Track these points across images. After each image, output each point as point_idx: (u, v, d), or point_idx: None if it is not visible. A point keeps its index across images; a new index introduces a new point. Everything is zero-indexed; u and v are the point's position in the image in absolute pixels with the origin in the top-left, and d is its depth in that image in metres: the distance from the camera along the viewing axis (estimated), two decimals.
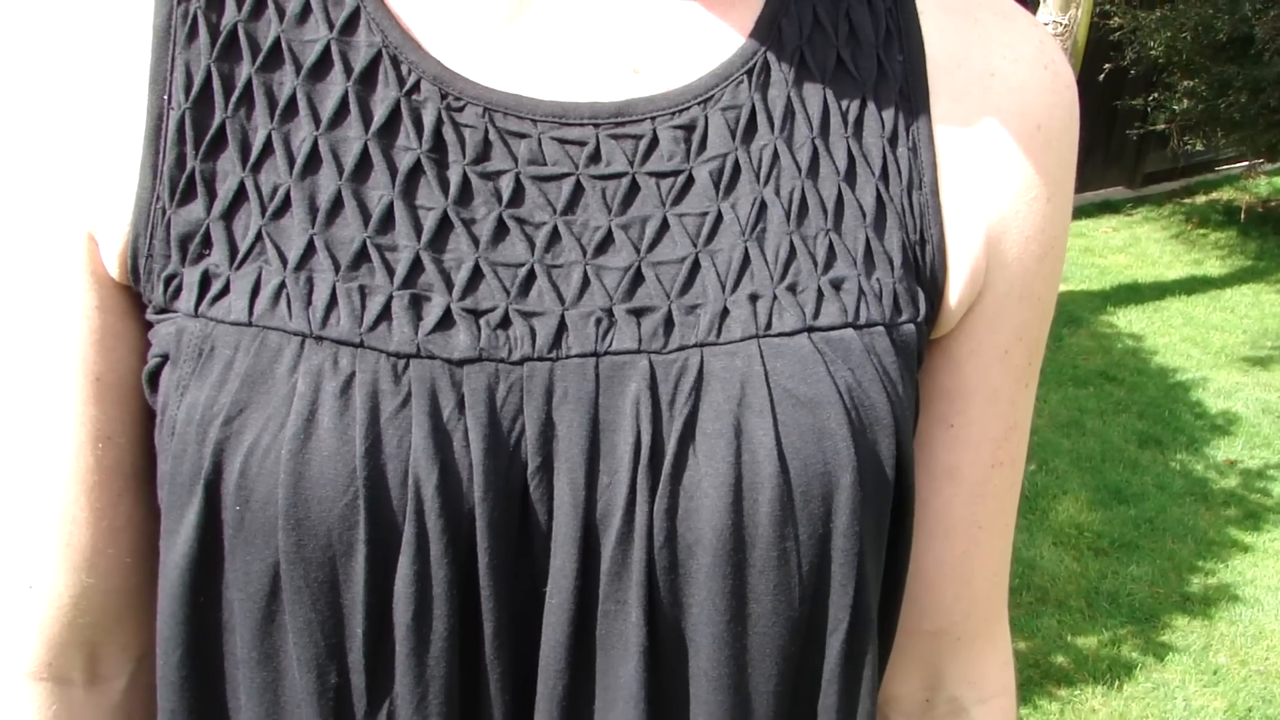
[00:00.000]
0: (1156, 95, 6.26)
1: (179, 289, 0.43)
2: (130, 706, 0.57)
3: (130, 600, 0.54)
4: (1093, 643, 2.74)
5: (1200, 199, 7.34)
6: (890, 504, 0.46)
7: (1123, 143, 7.19)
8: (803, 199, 0.46)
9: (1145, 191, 7.43)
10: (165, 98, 0.43)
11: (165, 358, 0.43)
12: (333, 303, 0.41)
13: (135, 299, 0.47)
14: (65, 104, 0.44)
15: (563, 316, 0.43)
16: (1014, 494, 0.59)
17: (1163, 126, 6.33)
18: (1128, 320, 5.02)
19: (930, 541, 0.56)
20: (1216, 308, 5.31)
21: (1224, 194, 7.44)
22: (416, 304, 0.42)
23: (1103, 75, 6.19)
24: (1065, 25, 4.28)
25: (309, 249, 0.42)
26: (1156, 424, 3.96)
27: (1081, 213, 6.85)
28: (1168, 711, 2.53)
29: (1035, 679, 2.59)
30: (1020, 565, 3.03)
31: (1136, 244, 6.34)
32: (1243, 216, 6.68)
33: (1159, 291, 5.48)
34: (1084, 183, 7.16)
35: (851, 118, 0.48)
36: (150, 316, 0.45)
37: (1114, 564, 3.09)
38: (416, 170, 0.43)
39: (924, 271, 0.48)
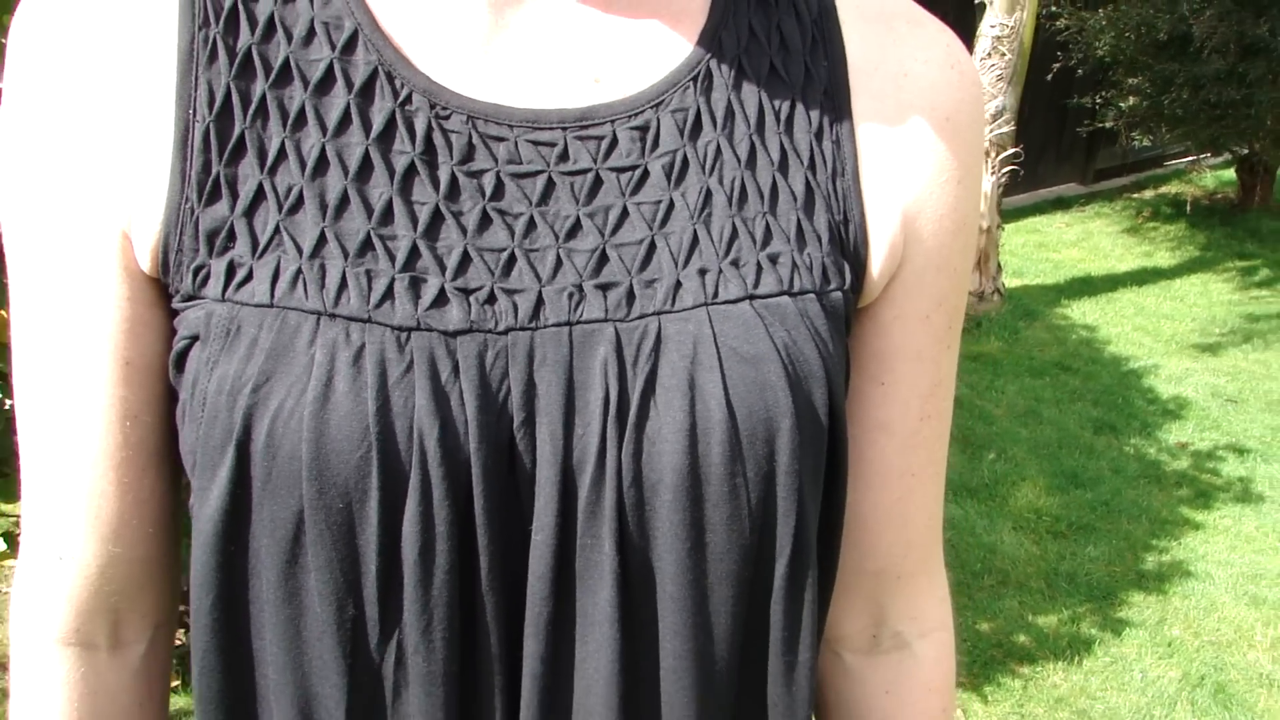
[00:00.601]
0: (1104, 94, 6.43)
1: (207, 278, 0.49)
2: (149, 671, 0.63)
3: (151, 570, 0.60)
4: (1053, 621, 2.84)
5: (1150, 193, 7.52)
6: (825, 446, 0.54)
7: (1074, 141, 7.35)
8: (743, 187, 0.54)
9: (1097, 187, 7.61)
10: (190, 112, 0.49)
11: (195, 339, 0.50)
12: (343, 285, 0.48)
13: (161, 290, 0.53)
14: (100, 118, 0.50)
15: (540, 293, 0.50)
16: (943, 444, 0.66)
17: (1111, 124, 6.49)
18: (1081, 312, 5.16)
19: (869, 489, 0.64)
20: (1167, 297, 5.47)
21: (1172, 188, 7.63)
22: (415, 285, 0.49)
23: (1051, 75, 6.35)
24: (1011, 27, 4.41)
25: (321, 239, 0.49)
26: (1111, 411, 4.09)
27: (1035, 209, 7.01)
28: (1126, 683, 2.63)
29: (998, 658, 2.68)
30: (981, 550, 3.13)
31: (1089, 238, 6.49)
32: (1189, 209, 6.85)
33: (1111, 283, 5.63)
34: (1037, 180, 7.31)
35: (783, 116, 0.56)
36: (177, 304, 0.51)
37: (1072, 546, 3.19)
38: (411, 170, 0.50)
39: (848, 247, 0.56)
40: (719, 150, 0.54)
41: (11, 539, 2.32)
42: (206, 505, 0.49)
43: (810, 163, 0.55)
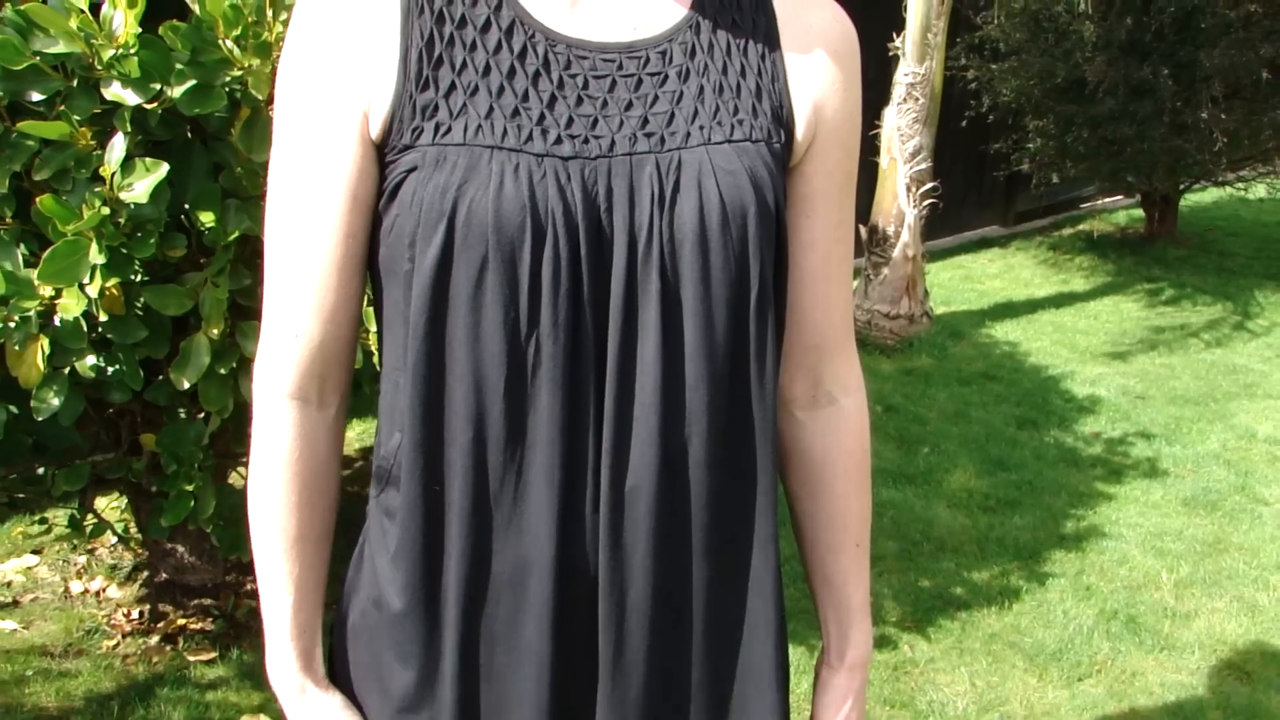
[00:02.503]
0: (1015, 138, 7.00)
1: (420, 133, 0.85)
2: (337, 427, 0.97)
3: (346, 350, 0.95)
4: (985, 576, 3.22)
5: (1067, 231, 8.10)
6: (775, 226, 0.91)
7: (993, 185, 7.92)
8: (721, 84, 0.91)
9: (1018, 229, 8.16)
10: (409, 42, 0.86)
11: (413, 169, 0.85)
12: (505, 133, 0.84)
13: (379, 154, 0.90)
14: (353, 46, 0.85)
15: (613, 138, 0.86)
16: (848, 261, 1.03)
17: (1024, 166, 7.06)
18: (1004, 331, 5.63)
19: (803, 287, 1.00)
20: (1082, 316, 5.97)
21: (1087, 225, 8.22)
22: (545, 132, 0.85)
23: (965, 123, 6.92)
24: (922, 75, 4.92)
25: (490, 109, 0.86)
26: (1032, 409, 4.52)
27: (961, 249, 7.52)
28: (1050, 621, 3.00)
29: (937, 607, 3.05)
30: (920, 523, 3.51)
31: (1011, 270, 7.00)
32: (1094, 238, 7.40)
33: (1031, 307, 6.12)
34: (961, 224, 7.85)
35: (741, 47, 0.94)
36: (392, 157, 0.87)
37: (1000, 517, 3.59)
38: (537, 74, 0.87)
39: (782, 122, 0.94)
40: (707, 65, 0.92)
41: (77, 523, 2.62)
42: (426, 258, 0.85)
43: (758, 73, 0.94)
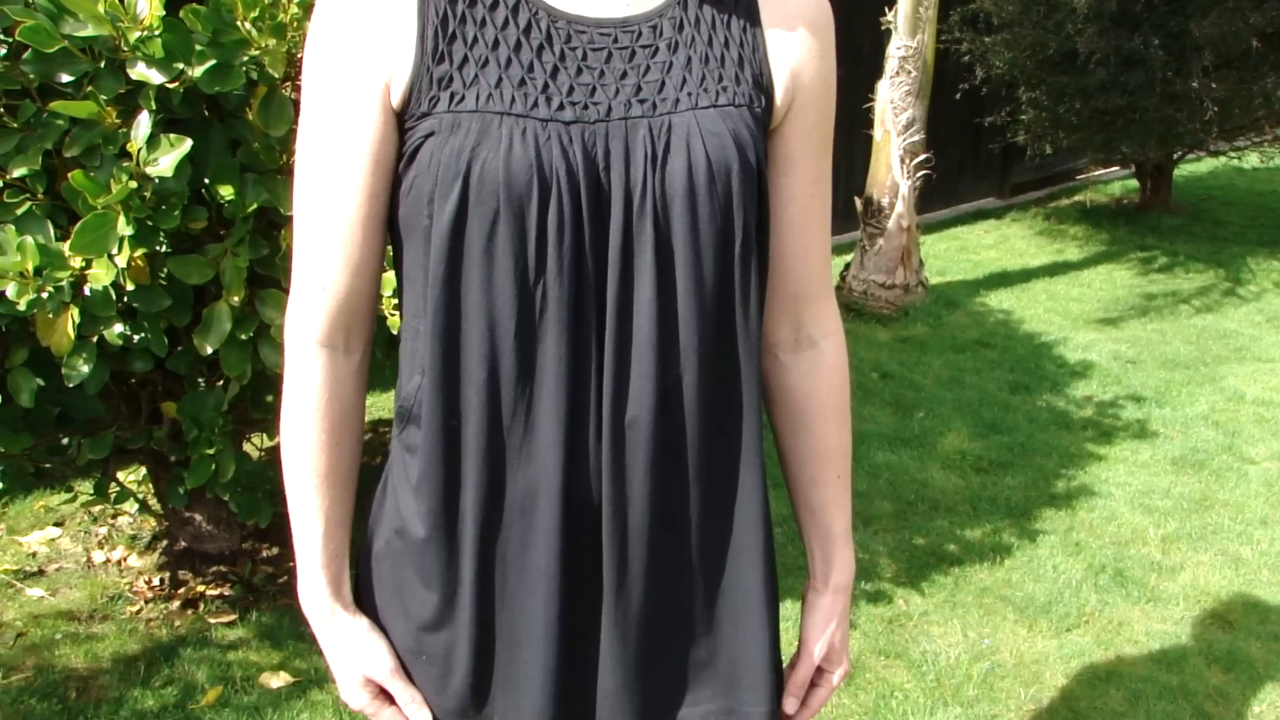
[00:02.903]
0: (1009, 109, 7.07)
1: (436, 102, 0.94)
2: (361, 371, 1.06)
3: (369, 302, 1.04)
4: (977, 534, 3.32)
5: (1063, 202, 8.17)
6: (756, 182, 1.00)
7: (989, 158, 7.99)
8: (707, 54, 1.00)
9: (1014, 200, 8.23)
10: (425, 20, 0.95)
11: (431, 134, 0.94)
12: (513, 100, 0.93)
13: (398, 122, 0.99)
14: (374, 25, 0.94)
15: (610, 104, 0.95)
16: (826, 215, 1.12)
17: (1019, 137, 7.13)
18: (999, 300, 5.72)
19: (783, 238, 1.09)
20: (1075, 284, 6.05)
21: (1083, 196, 8.29)
22: (549, 100, 0.94)
23: (960, 96, 6.98)
24: (914, 48, 4.99)
25: (500, 80, 0.94)
26: (1025, 375, 4.62)
27: (957, 221, 7.60)
28: (1040, 576, 3.11)
29: (931, 563, 3.15)
30: (914, 484, 3.61)
31: (1006, 241, 7.08)
32: (1088, 206, 7.47)
33: (1025, 276, 6.21)
34: (958, 196, 7.93)
35: (725, 21, 1.02)
36: (411, 124, 0.96)
37: (992, 478, 3.69)
38: (541, 47, 0.96)
39: (763, 87, 1.03)
40: (694, 37, 1.01)
41: (107, 490, 2.72)
42: (444, 214, 0.94)
43: (740, 44, 1.03)
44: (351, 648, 1.06)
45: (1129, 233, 7.18)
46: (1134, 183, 8.12)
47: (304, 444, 1.03)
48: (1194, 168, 9.25)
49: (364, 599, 1.10)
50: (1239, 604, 3.00)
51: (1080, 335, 5.17)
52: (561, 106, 0.94)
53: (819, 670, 1.16)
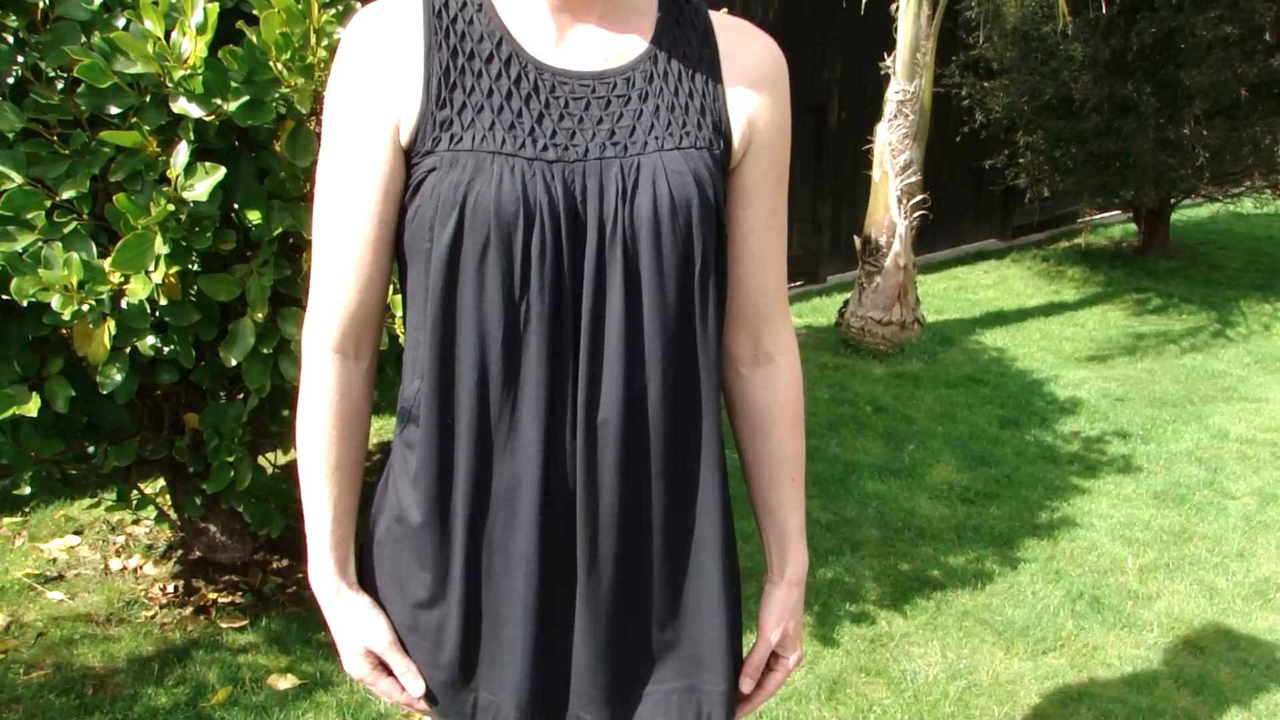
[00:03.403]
0: (1008, 153, 7.24)
1: (439, 140, 1.07)
2: (369, 375, 1.20)
3: (377, 314, 1.17)
4: (961, 561, 3.44)
5: (1063, 244, 8.32)
6: (715, 214, 1.13)
7: (990, 200, 8.16)
8: (674, 104, 1.14)
9: (1015, 242, 8.39)
10: (429, 71, 1.08)
11: (433, 169, 1.07)
12: (504, 141, 1.07)
13: (405, 158, 1.12)
14: (386, 73, 1.07)
15: (587, 146, 1.09)
16: (782, 242, 1.25)
17: (1020, 181, 7.30)
18: (993, 338, 5.85)
19: (742, 265, 1.21)
20: (1069, 324, 6.19)
21: (1082, 239, 8.45)
22: (535, 141, 1.07)
23: (960, 139, 7.16)
24: (912, 92, 5.17)
25: (493, 123, 1.08)
26: (1015, 410, 4.75)
27: (959, 261, 7.75)
28: (1019, 601, 3.23)
29: (915, 587, 3.27)
30: (902, 512, 3.74)
31: (1005, 282, 7.23)
32: (1084, 248, 7.61)
33: (1021, 315, 6.34)
34: (960, 237, 8.09)
35: (690, 74, 1.16)
36: (417, 160, 1.09)
37: (978, 508, 3.81)
38: (529, 96, 1.09)
39: (721, 132, 1.15)
40: (662, 88, 1.15)
41: (127, 496, 2.85)
42: (442, 238, 1.06)
43: (703, 95, 1.17)
44: (354, 622, 1.18)
45: (1125, 275, 7.32)
46: (1134, 226, 8.28)
47: (317, 438, 1.16)
48: (1194, 213, 9.41)
49: (366, 580, 1.22)
50: (1212, 631, 3.11)
51: (1071, 373, 5.31)
52: (545, 147, 1.08)
53: (774, 655, 1.29)
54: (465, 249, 1.06)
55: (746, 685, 1.26)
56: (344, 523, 1.18)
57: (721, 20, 1.20)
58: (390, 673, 1.20)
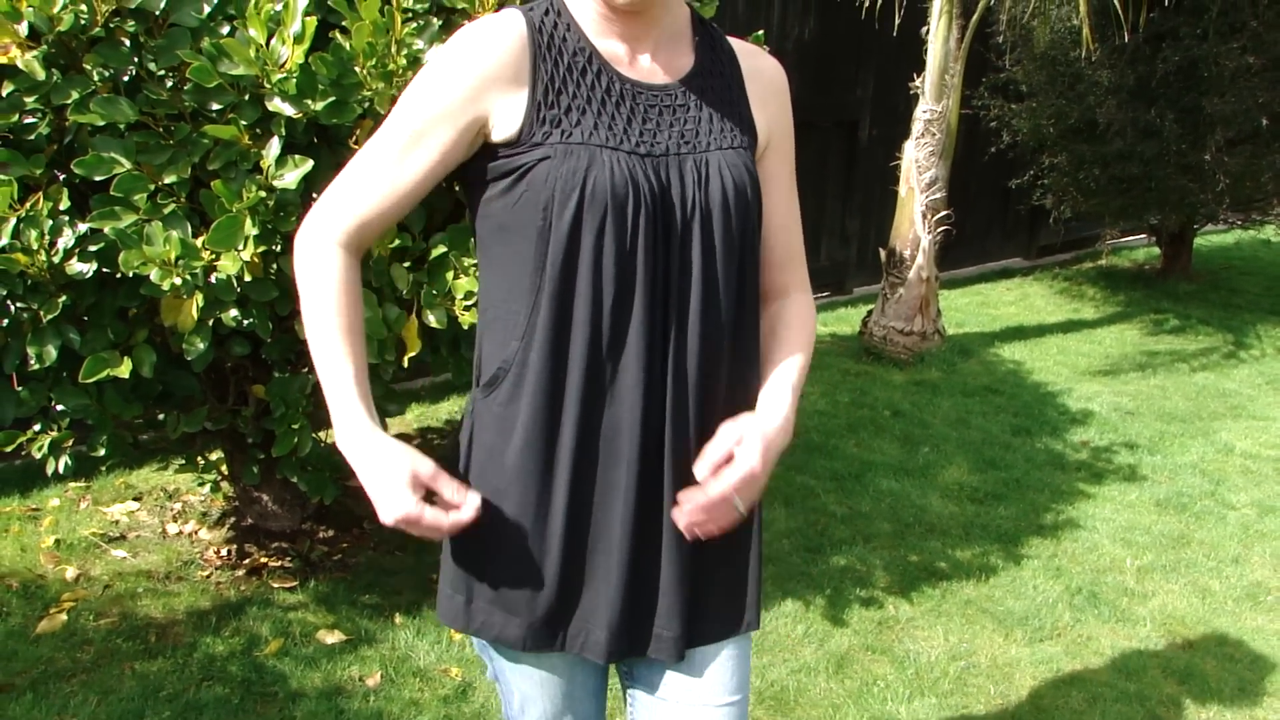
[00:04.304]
0: (1033, 173, 7.42)
1: (549, 135, 1.29)
2: (357, 267, 1.31)
3: (369, 240, 1.33)
4: (967, 554, 3.63)
5: (1087, 265, 8.47)
6: (759, 200, 1.37)
7: (1016, 219, 8.33)
8: (720, 112, 1.38)
9: (1040, 261, 8.55)
10: (536, 77, 1.30)
11: (547, 157, 1.30)
12: (607, 138, 1.30)
13: (488, 147, 1.33)
14: (495, 71, 1.28)
15: (666, 144, 1.32)
16: (796, 215, 1.50)
17: (1045, 201, 7.47)
18: (1011, 352, 6.03)
19: (772, 232, 1.47)
20: (1087, 341, 6.35)
21: (1105, 260, 8.60)
22: (629, 138, 1.31)
23: (987, 159, 7.34)
24: (939, 112, 5.36)
25: (595, 123, 1.30)
26: (1028, 419, 4.92)
27: (983, 278, 7.92)
28: (1020, 594, 3.41)
29: (922, 577, 3.46)
30: (913, 509, 3.93)
31: (1026, 299, 7.39)
32: (1104, 265, 7.75)
33: (1040, 331, 6.51)
34: (985, 255, 8.26)
35: (726, 88, 1.41)
36: (521, 150, 1.28)
37: (986, 508, 4.00)
38: (619, 102, 1.32)
39: (751, 134, 1.40)
40: (710, 100, 1.39)
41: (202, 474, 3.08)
42: (564, 217, 1.27)
43: (735, 103, 1.41)
44: (396, 457, 1.24)
45: (1145, 296, 7.48)
46: (1158, 250, 8.42)
47: (328, 307, 1.27)
48: (1220, 238, 9.53)
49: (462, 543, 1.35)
50: (1202, 628, 3.28)
51: (1085, 387, 5.48)
52: (637, 144, 1.32)
53: (731, 458, 1.33)
54: (585, 225, 1.27)
55: (700, 470, 1.32)
56: (363, 379, 1.28)
57: (737, 44, 1.46)
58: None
